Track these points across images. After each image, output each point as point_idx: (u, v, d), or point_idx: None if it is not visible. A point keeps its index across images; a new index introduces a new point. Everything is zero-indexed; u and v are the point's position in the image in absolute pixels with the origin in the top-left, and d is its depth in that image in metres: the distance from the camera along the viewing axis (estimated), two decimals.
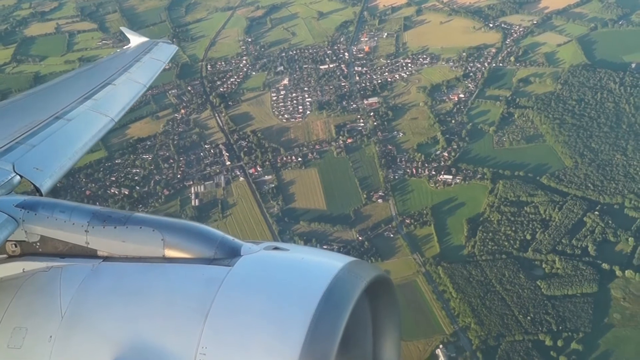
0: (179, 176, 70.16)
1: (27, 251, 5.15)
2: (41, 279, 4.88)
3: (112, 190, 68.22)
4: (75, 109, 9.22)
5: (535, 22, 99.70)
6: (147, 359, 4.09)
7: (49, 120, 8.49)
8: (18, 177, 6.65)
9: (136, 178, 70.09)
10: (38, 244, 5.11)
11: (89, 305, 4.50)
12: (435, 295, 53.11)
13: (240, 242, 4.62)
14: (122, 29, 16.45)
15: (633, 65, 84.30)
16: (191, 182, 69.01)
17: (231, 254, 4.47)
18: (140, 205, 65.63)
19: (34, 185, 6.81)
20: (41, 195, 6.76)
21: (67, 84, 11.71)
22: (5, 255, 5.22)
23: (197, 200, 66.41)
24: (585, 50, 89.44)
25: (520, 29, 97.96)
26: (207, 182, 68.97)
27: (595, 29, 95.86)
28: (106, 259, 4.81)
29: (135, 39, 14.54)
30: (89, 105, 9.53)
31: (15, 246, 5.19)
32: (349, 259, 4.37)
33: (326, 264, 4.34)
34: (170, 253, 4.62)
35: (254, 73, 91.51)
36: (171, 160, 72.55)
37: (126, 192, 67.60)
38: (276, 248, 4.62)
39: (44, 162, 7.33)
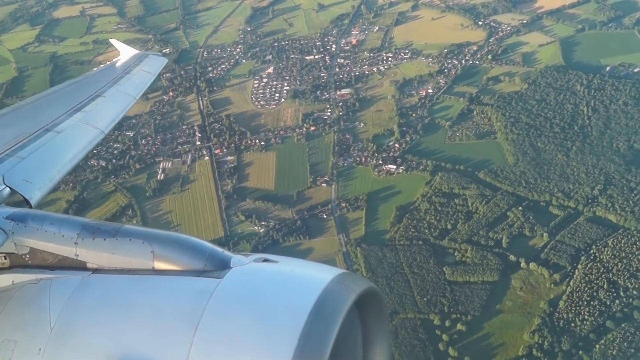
0: (152, 152, 76.85)
1: (17, 263, 5.16)
2: (30, 292, 4.88)
3: (92, 162, 75.40)
4: (65, 121, 9.22)
5: (525, 21, 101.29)
6: None
7: (38, 133, 8.50)
8: (7, 189, 6.62)
9: (115, 152, 77.07)
10: (27, 256, 5.12)
11: (79, 317, 4.51)
12: None
13: (229, 254, 4.67)
14: (112, 41, 16.51)
15: (607, 69, 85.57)
16: (161, 159, 75.58)
17: (221, 266, 4.51)
18: (112, 176, 72.67)
19: (24, 198, 6.79)
20: (31, 207, 6.74)
21: (57, 95, 11.78)
22: None
23: (162, 174, 72.90)
24: (565, 52, 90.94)
25: (508, 28, 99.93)
26: (175, 159, 75.43)
27: (582, 31, 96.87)
28: (96, 271, 4.83)
29: (126, 51, 14.53)
30: (79, 117, 9.56)
31: (5, 258, 5.19)
32: (338, 271, 4.42)
33: (316, 276, 4.37)
34: (160, 265, 4.66)
35: (244, 61, 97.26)
36: (149, 138, 79.31)
37: (103, 164, 74.67)
38: (266, 260, 4.65)
39: (34, 174, 7.30)
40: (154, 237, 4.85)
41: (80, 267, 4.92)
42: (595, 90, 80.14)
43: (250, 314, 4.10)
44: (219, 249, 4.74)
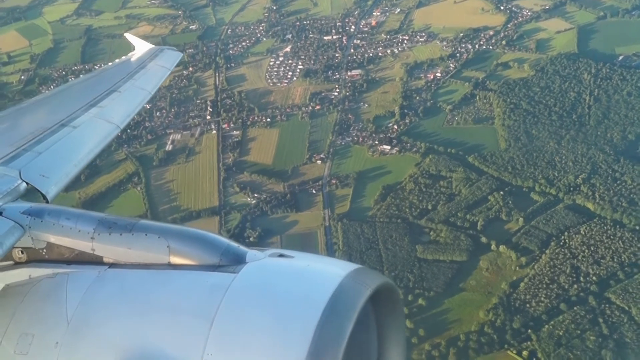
0: (165, 124, 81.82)
1: (34, 258, 5.28)
2: (47, 286, 5.00)
3: None
4: (81, 116, 9.29)
5: (547, 7, 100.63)
6: None
7: (55, 128, 8.57)
8: (24, 184, 6.66)
9: (131, 122, 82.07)
10: (44, 250, 5.23)
11: (95, 311, 4.63)
12: (327, 246, 61.30)
13: (245, 249, 4.74)
14: (127, 35, 16.19)
15: (620, 58, 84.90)
16: (172, 131, 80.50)
17: (236, 261, 4.59)
18: (125, 145, 78.04)
19: (40, 192, 6.82)
20: (47, 202, 6.80)
21: (72, 90, 12.02)
22: (11, 262, 5.35)
23: (171, 146, 77.79)
24: (581, 40, 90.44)
25: (529, 14, 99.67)
26: (185, 132, 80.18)
27: (603, 18, 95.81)
28: (112, 265, 4.94)
29: (141, 45, 14.53)
30: (95, 112, 9.62)
31: (22, 253, 5.30)
32: (353, 266, 4.47)
33: (331, 271, 4.46)
34: (176, 260, 4.76)
35: (264, 39, 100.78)
36: (164, 111, 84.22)
37: (118, 134, 79.88)
38: (281, 255, 4.70)
39: (50, 169, 7.38)
40: (169, 232, 4.92)
41: (97, 261, 5.01)
42: (601, 80, 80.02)
43: (265, 309, 4.16)
44: (234, 244, 4.80)
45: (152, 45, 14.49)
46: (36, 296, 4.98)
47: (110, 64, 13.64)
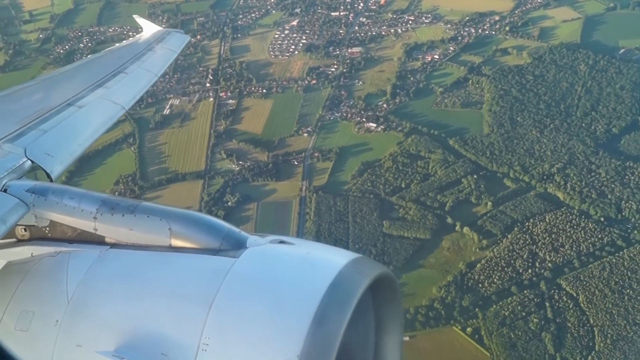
0: (166, 89, 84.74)
1: (36, 236, 5.32)
2: (49, 264, 5.02)
3: None
4: (87, 96, 9.35)
5: None
6: (151, 347, 4.22)
7: (61, 107, 8.63)
8: (29, 162, 6.69)
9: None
10: (47, 228, 5.27)
11: (95, 291, 4.65)
12: (299, 216, 63.87)
13: (246, 234, 4.78)
14: (135, 17, 16.15)
15: (621, 51, 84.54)
16: (172, 96, 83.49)
17: (237, 245, 4.63)
18: None
19: (45, 171, 6.85)
20: (51, 180, 6.82)
21: (79, 71, 11.99)
22: (14, 239, 5.39)
23: (169, 110, 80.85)
24: (585, 30, 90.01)
25: (538, 0, 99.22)
26: (184, 98, 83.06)
27: (613, 9, 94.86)
28: (113, 246, 4.97)
29: (149, 28, 14.51)
30: (101, 93, 9.69)
31: (25, 230, 5.35)
32: (353, 255, 4.50)
33: (331, 259, 4.47)
34: (177, 243, 4.79)
35: (274, 11, 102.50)
36: (167, 76, 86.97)
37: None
38: (282, 242, 4.74)
39: (55, 148, 7.41)
40: (171, 214, 4.93)
41: (99, 241, 5.04)
42: (597, 72, 79.99)
43: (265, 294, 4.18)
44: (235, 229, 4.83)
45: (160, 28, 14.60)
46: (37, 274, 4.99)
47: (117, 45, 13.93)
